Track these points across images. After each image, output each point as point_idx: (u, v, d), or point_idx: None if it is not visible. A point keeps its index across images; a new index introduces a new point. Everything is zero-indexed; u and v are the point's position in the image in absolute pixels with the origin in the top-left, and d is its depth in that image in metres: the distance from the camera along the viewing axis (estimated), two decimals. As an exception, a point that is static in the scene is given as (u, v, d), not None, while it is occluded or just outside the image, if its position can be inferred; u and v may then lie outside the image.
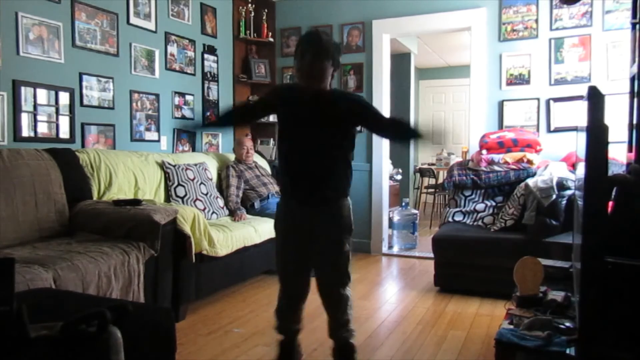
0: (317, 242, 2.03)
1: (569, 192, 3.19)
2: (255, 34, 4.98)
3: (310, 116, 1.95)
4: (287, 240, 2.10)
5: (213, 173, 4.05)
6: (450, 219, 3.88)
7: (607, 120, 1.42)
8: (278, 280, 2.16)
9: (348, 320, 2.08)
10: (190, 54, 4.32)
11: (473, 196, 3.92)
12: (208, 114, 4.54)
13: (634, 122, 2.23)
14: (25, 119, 3.03)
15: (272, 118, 4.61)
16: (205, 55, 4.50)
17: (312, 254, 2.06)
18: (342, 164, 2.00)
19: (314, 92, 1.95)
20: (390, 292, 3.66)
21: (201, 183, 3.77)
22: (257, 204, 4.06)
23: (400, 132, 2.08)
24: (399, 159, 6.84)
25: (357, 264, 4.27)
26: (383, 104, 4.69)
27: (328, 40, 1.92)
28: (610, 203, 1.62)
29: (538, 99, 4.13)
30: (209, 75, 4.55)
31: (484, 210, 3.78)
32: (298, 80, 1.98)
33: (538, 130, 4.11)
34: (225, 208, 3.89)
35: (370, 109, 2.06)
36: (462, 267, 3.45)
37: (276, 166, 4.72)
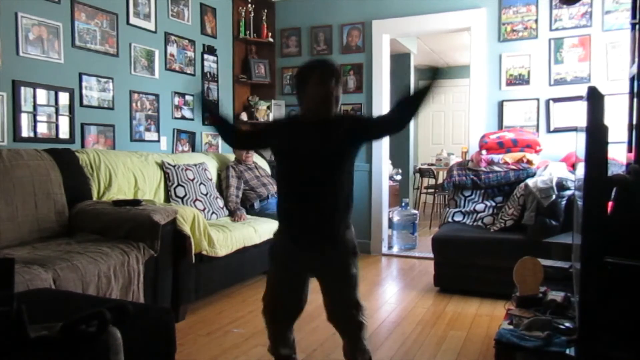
0: (322, 273, 1.94)
1: (568, 193, 3.19)
2: (255, 34, 4.98)
3: (315, 151, 1.84)
4: (284, 272, 1.97)
5: (213, 173, 4.05)
6: (450, 219, 3.88)
7: (607, 120, 1.42)
8: (264, 310, 2.00)
9: (364, 344, 1.97)
10: (190, 54, 4.32)
11: (473, 196, 3.92)
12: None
13: (634, 122, 2.23)
14: (25, 119, 3.03)
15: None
16: (205, 56, 4.50)
17: (308, 280, 1.97)
18: (346, 197, 1.91)
19: (320, 123, 1.86)
20: (390, 292, 3.66)
21: (201, 183, 3.77)
22: (256, 205, 4.06)
23: (404, 117, 1.90)
24: (399, 159, 6.84)
25: (356, 264, 4.27)
26: (383, 105, 4.69)
27: (339, 66, 1.89)
28: (610, 203, 1.62)
29: (538, 99, 4.13)
30: (208, 76, 4.55)
31: (484, 211, 3.78)
32: (311, 106, 1.86)
33: (538, 130, 4.12)
34: (225, 208, 3.89)
35: (371, 121, 1.99)
36: (462, 267, 3.45)
37: (276, 167, 4.73)
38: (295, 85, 1.90)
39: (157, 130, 4.01)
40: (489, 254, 3.32)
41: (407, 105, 1.83)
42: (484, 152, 3.90)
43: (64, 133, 3.26)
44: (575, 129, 3.53)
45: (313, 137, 1.85)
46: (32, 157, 2.77)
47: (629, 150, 2.34)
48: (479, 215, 3.78)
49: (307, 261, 1.93)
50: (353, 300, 1.93)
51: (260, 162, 4.50)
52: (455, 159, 6.56)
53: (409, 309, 3.17)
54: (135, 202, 2.90)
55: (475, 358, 2.42)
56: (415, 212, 5.22)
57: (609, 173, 1.50)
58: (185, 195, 3.60)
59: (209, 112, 2.21)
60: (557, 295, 2.08)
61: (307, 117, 1.90)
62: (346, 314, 1.94)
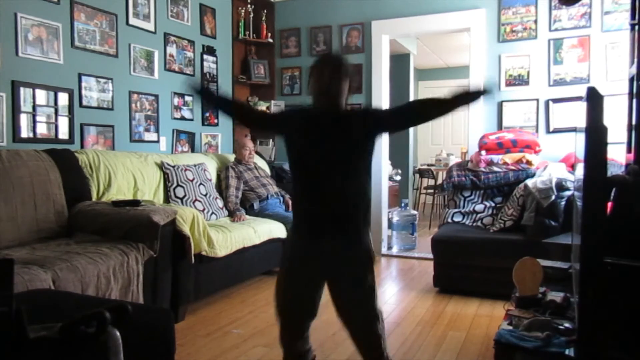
0: (337, 280, 1.84)
1: (568, 193, 3.19)
2: (254, 35, 4.98)
3: (330, 144, 1.79)
4: (298, 278, 1.87)
5: (212, 174, 4.05)
6: (449, 220, 3.88)
7: (606, 121, 1.41)
8: (278, 317, 1.92)
9: (383, 353, 1.84)
10: (190, 54, 4.32)
11: (472, 197, 3.92)
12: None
13: (633, 123, 2.23)
14: (24, 120, 3.02)
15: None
16: (205, 56, 4.50)
17: (322, 285, 1.88)
18: (364, 193, 1.85)
19: (331, 116, 1.82)
20: (389, 292, 3.65)
21: (200, 184, 3.77)
22: (256, 205, 4.06)
23: (432, 114, 1.85)
24: (398, 160, 6.84)
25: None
26: (382, 105, 4.70)
27: (345, 59, 1.86)
28: (609, 204, 1.62)
29: (537, 100, 4.13)
30: (208, 76, 4.55)
31: (483, 211, 3.78)
32: (314, 98, 1.85)
33: (537, 131, 4.12)
34: (224, 209, 3.89)
35: (387, 112, 1.98)
36: (461, 267, 3.45)
37: (275, 167, 4.73)
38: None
39: (157, 131, 4.01)
40: (488, 254, 3.32)
41: (444, 103, 1.80)
42: (483, 152, 3.90)
43: (63, 133, 3.26)
44: (574, 130, 3.53)
45: (326, 132, 1.81)
46: (31, 158, 2.77)
47: (628, 151, 2.34)
48: (479, 215, 3.78)
49: (321, 262, 1.84)
50: (372, 312, 1.81)
51: (260, 162, 4.50)
52: (454, 160, 6.55)
53: (409, 309, 3.17)
54: (135, 203, 2.89)
55: (475, 358, 2.42)
56: (415, 212, 5.22)
57: (608, 174, 1.50)
58: (185, 195, 3.60)
59: (198, 92, 2.04)
60: (556, 296, 2.08)
61: (314, 109, 1.86)
62: (366, 327, 1.82)
